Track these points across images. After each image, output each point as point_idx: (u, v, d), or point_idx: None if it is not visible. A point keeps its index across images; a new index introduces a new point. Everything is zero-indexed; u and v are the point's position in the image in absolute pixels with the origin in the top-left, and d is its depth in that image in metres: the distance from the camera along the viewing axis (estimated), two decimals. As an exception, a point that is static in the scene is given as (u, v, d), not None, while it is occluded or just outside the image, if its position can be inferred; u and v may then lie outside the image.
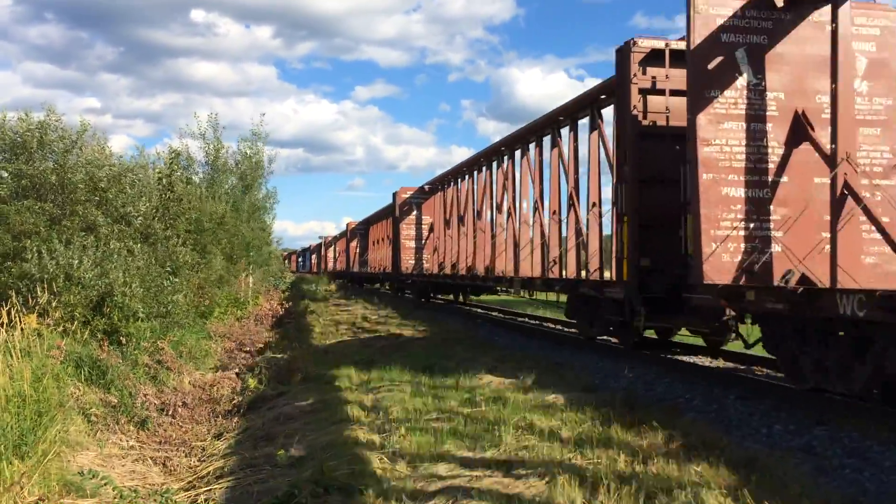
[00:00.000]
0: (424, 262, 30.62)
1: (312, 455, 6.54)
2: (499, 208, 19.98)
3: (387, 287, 38.74)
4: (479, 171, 22.51)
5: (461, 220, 24.30)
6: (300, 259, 70.02)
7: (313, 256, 68.35)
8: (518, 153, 18.46)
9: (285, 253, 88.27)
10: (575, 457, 5.93)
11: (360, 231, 48.85)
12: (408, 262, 31.41)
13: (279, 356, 13.88)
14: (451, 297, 29.22)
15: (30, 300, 9.44)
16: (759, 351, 9.64)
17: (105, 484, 5.66)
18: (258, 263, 29.71)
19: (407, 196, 31.25)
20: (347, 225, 54.06)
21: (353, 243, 52.05)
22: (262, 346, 16.62)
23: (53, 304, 9.70)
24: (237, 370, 12.96)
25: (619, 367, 11.13)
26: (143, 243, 13.37)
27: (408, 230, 31.46)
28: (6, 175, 13.39)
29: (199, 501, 6.06)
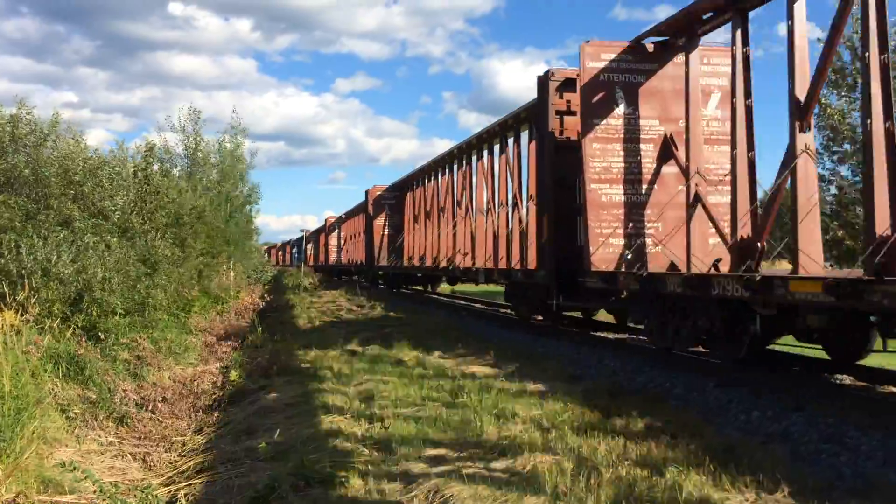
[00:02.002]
0: (395, 255, 31.82)
1: (294, 448, 6.52)
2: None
3: (362, 279, 39.99)
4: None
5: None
6: (294, 251, 69.68)
7: (309, 246, 67.63)
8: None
9: (265, 247, 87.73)
10: (557, 445, 5.96)
11: (338, 226, 50.25)
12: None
13: (260, 349, 13.82)
14: (420, 287, 32.01)
15: (7, 296, 9.31)
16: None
17: (85, 478, 5.61)
18: (239, 257, 29.53)
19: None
20: (326, 220, 55.28)
21: (332, 237, 53.29)
22: (243, 339, 16.54)
23: (32, 301, 9.58)
24: (218, 364, 12.89)
25: (599, 357, 11.25)
26: (122, 237, 13.24)
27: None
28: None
29: (179, 496, 6.02)
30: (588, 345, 12.95)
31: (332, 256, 52.93)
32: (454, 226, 22.15)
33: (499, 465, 5.53)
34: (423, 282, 31.36)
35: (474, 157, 20.41)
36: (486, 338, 14.17)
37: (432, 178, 25.70)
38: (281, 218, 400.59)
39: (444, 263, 23.10)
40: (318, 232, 63.89)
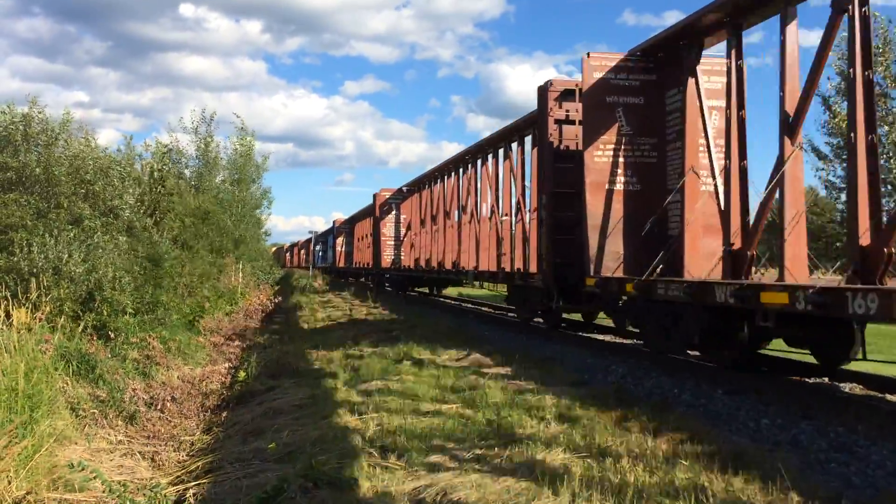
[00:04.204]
0: (402, 257, 32.28)
1: (302, 448, 6.53)
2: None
3: (369, 281, 40.88)
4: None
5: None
6: (318, 248, 68.28)
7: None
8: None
9: (274, 247, 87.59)
10: (565, 449, 5.95)
11: (346, 229, 50.32)
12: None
13: (268, 350, 13.86)
14: (426, 289, 32.62)
15: (19, 294, 9.37)
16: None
17: (94, 477, 5.63)
18: (249, 258, 29.59)
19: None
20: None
21: (340, 239, 53.53)
22: (251, 340, 16.58)
23: (44, 300, 9.63)
24: (226, 364, 12.93)
25: (606, 362, 11.25)
26: (130, 237, 13.31)
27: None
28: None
29: (187, 496, 6.04)
30: (595, 349, 12.95)
31: (340, 259, 53.38)
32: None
33: (508, 468, 5.53)
34: (428, 284, 32.01)
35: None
36: (491, 341, 14.19)
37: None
38: (289, 219, 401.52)
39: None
40: (325, 234, 64.08)
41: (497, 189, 19.21)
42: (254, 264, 32.69)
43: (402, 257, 32.46)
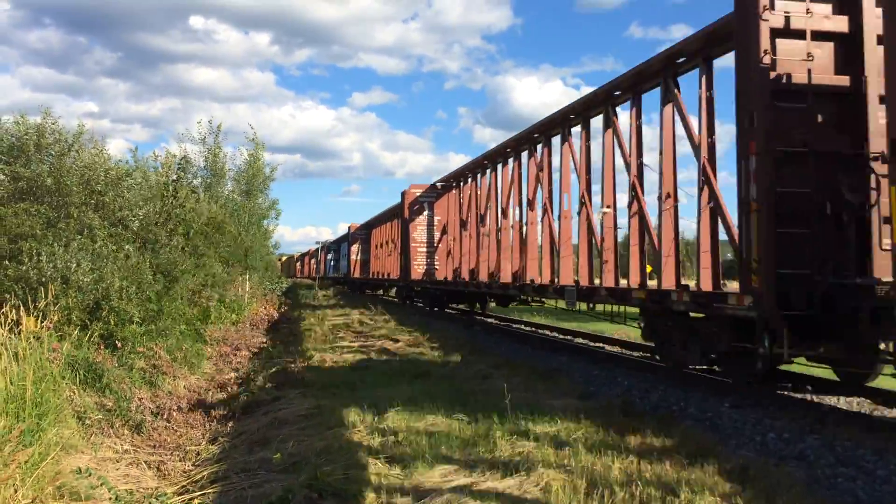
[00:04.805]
0: (437, 267, 27.80)
1: (307, 459, 6.54)
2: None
3: (391, 295, 36.45)
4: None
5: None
6: (330, 256, 60.94)
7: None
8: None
9: (282, 257, 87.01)
10: (570, 463, 5.94)
11: (361, 235, 44.81)
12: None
13: (274, 360, 13.87)
14: (466, 306, 26.99)
15: (29, 302, 9.42)
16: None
17: (101, 485, 5.65)
18: (256, 269, 29.63)
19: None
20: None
21: (355, 247, 46.95)
22: (257, 350, 16.61)
23: (52, 309, 9.67)
24: (232, 374, 12.94)
25: (611, 374, 11.23)
26: (142, 248, 13.36)
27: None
28: (3, 178, 13.37)
29: (193, 505, 6.04)
30: (600, 362, 12.89)
31: (355, 268, 46.64)
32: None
33: (512, 481, 5.52)
34: (379, 287, 28.08)
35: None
36: (503, 353, 14.12)
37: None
38: (296, 230, 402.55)
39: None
40: (338, 241, 58.20)
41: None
42: (261, 275, 32.70)
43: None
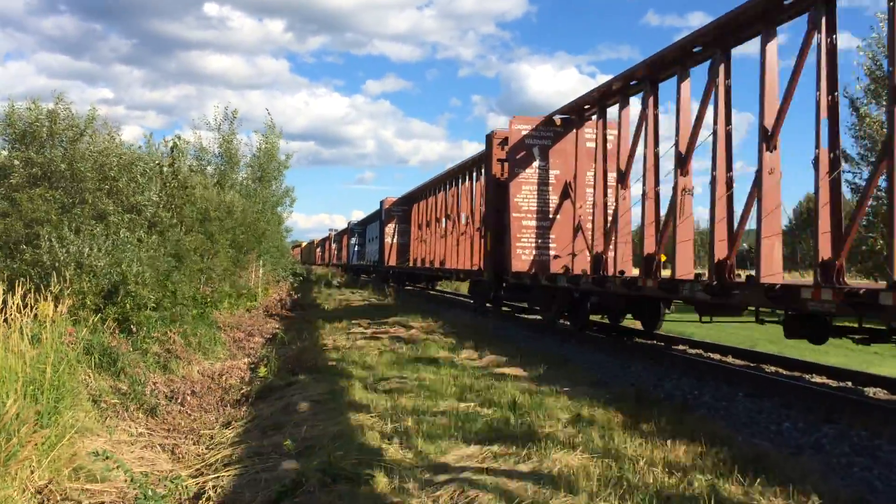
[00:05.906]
0: (402, 257, 35.46)
1: (320, 444, 6.56)
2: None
3: (377, 277, 43.62)
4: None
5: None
6: (353, 241, 55.65)
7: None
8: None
9: (295, 245, 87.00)
10: (584, 450, 5.93)
11: (398, 212, 43.84)
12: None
13: (288, 346, 13.91)
14: (422, 285, 36.54)
15: (42, 287, 9.48)
16: (764, 347, 9.74)
17: (117, 467, 5.69)
18: (271, 255, 29.62)
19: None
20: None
21: (390, 227, 45.92)
22: (271, 336, 16.66)
23: (66, 293, 9.72)
24: (246, 360, 12.99)
25: (624, 362, 11.20)
26: (153, 232, 13.41)
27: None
28: (18, 163, 13.45)
29: (207, 488, 6.08)
30: (613, 350, 12.87)
31: (391, 254, 45.82)
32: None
33: (526, 466, 5.52)
34: (423, 280, 35.49)
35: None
36: (517, 341, 14.15)
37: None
38: (310, 217, 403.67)
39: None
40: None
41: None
42: (274, 262, 32.68)
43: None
